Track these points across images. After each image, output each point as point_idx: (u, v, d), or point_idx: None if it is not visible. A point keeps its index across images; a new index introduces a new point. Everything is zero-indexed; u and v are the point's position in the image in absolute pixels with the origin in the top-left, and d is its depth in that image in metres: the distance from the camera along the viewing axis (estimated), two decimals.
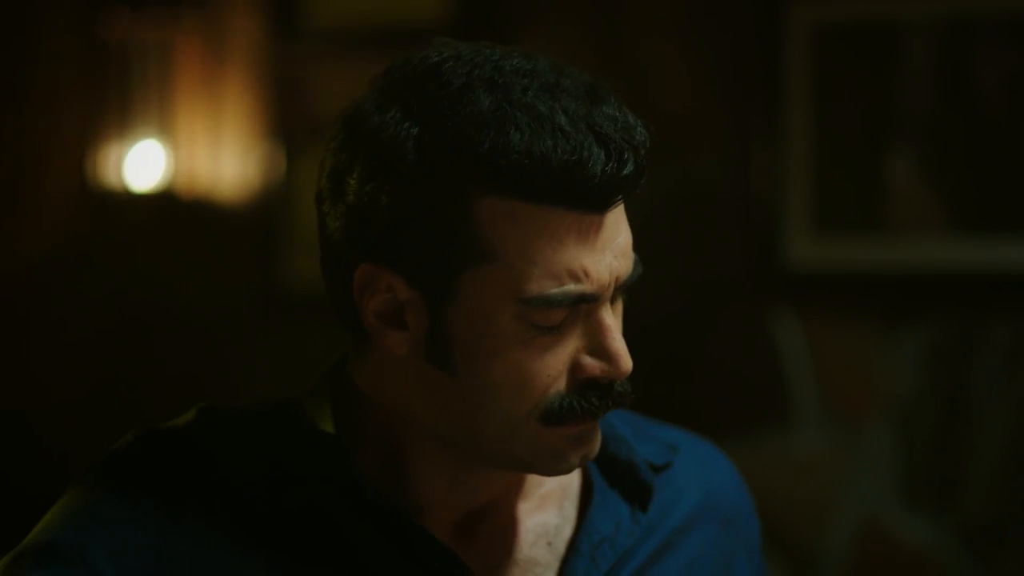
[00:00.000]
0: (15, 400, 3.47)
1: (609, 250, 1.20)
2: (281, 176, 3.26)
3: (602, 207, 1.18)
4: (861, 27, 2.83)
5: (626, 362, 1.21)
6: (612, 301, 1.22)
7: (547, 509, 1.30)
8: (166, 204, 3.33)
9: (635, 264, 1.23)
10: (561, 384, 1.20)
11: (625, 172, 1.17)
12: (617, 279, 1.20)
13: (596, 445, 1.24)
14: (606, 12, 3.01)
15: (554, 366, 1.19)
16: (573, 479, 1.33)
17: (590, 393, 1.20)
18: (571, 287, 1.17)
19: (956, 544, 2.78)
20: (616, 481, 1.33)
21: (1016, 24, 2.76)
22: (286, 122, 3.25)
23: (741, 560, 1.40)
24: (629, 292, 1.26)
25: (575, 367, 1.20)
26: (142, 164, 3.33)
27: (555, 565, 1.28)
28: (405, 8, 3.08)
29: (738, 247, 2.91)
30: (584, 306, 1.19)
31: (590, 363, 1.20)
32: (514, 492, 1.29)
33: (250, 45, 3.32)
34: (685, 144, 2.95)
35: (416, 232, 1.18)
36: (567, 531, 1.30)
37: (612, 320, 1.21)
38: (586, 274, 1.18)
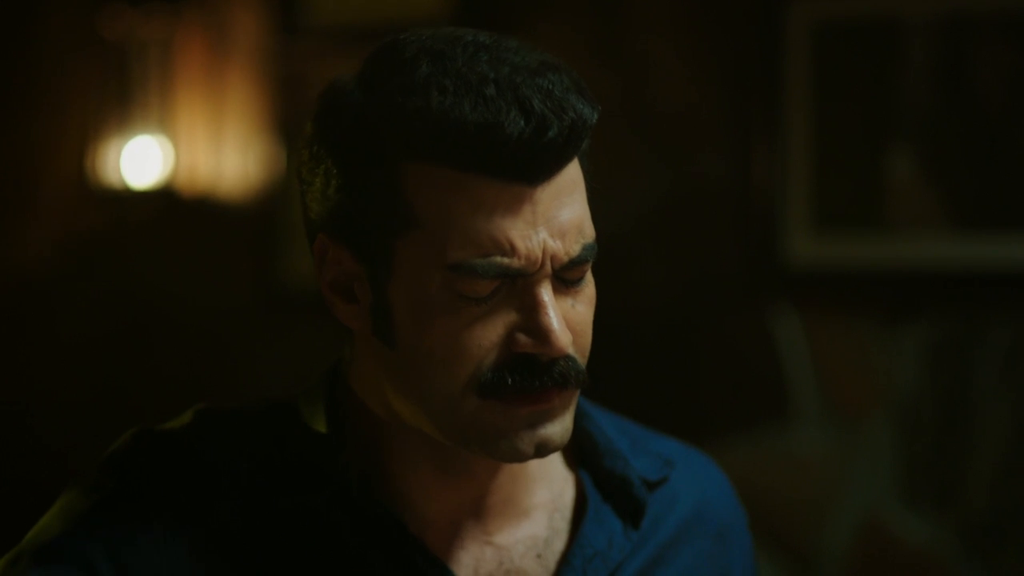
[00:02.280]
0: (15, 398, 3.47)
1: (544, 227, 1.17)
2: (282, 172, 3.26)
3: (528, 177, 1.17)
4: (861, 25, 2.83)
5: (558, 339, 1.17)
6: (570, 284, 1.21)
7: (536, 521, 1.30)
8: (167, 201, 3.33)
9: (585, 248, 1.20)
10: (494, 357, 1.18)
11: (545, 139, 1.15)
12: (554, 258, 1.18)
13: (555, 436, 1.21)
14: (606, 11, 3.00)
15: (485, 338, 1.18)
16: (566, 492, 1.33)
17: (526, 370, 1.18)
18: (496, 259, 1.16)
19: (956, 542, 2.78)
20: (610, 496, 1.32)
21: (1016, 22, 2.76)
22: (287, 118, 3.25)
23: (737, 575, 1.40)
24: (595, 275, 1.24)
25: (510, 342, 1.18)
26: (142, 161, 3.33)
27: None
28: (405, 5, 3.08)
29: (738, 245, 2.91)
30: (521, 281, 1.18)
31: (523, 339, 1.18)
32: (503, 503, 1.29)
33: (251, 41, 3.32)
34: (685, 142, 2.95)
35: (354, 199, 1.20)
36: (557, 544, 1.30)
37: (548, 297, 1.18)
38: (512, 247, 1.16)
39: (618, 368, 2.94)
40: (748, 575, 1.42)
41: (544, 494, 1.31)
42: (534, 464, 1.31)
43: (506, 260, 1.16)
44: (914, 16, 2.79)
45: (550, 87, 1.16)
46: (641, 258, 2.95)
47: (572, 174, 1.20)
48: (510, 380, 1.18)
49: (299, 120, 3.21)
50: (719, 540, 1.39)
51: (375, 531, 1.24)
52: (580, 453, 1.35)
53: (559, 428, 1.21)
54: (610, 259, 2.91)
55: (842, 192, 2.85)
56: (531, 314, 1.18)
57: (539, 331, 1.18)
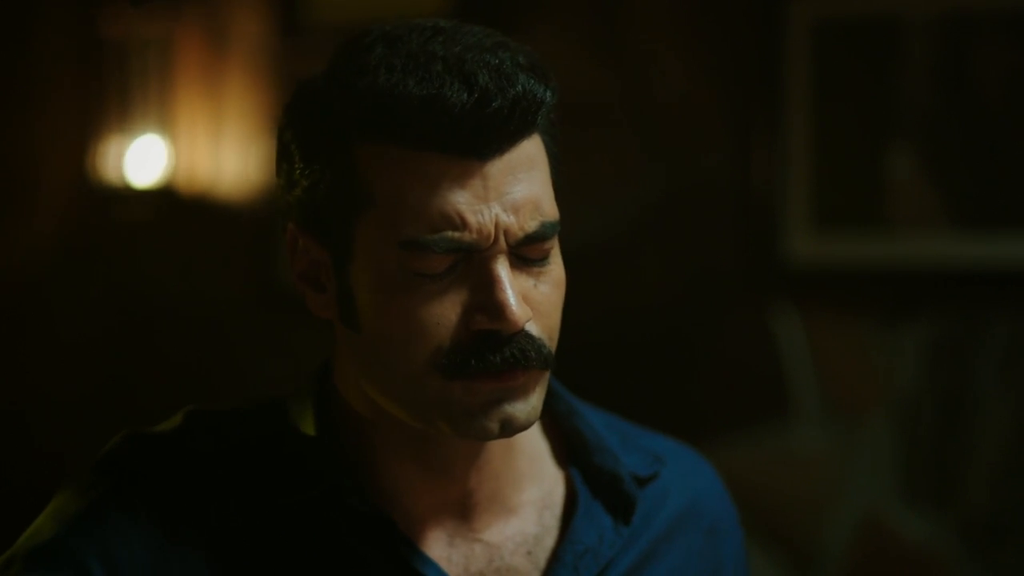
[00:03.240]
0: (14, 397, 3.47)
1: (497, 202, 1.18)
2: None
3: (476, 151, 1.17)
4: (861, 23, 2.83)
5: (512, 314, 1.17)
6: (532, 263, 1.21)
7: (525, 518, 1.31)
8: (167, 200, 3.33)
9: (543, 225, 1.20)
10: (454, 335, 1.18)
11: (488, 110, 1.15)
12: (507, 232, 1.18)
13: (520, 415, 1.20)
14: (605, 11, 3.00)
15: (443, 315, 1.18)
16: (555, 490, 1.33)
17: (486, 347, 1.18)
18: (447, 234, 1.16)
19: (956, 540, 2.78)
20: (600, 492, 1.32)
21: (1016, 20, 2.75)
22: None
23: (728, 571, 1.40)
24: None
25: (468, 320, 1.18)
26: (142, 160, 3.33)
27: (535, 574, 1.29)
28: (405, 5, 3.08)
29: (738, 243, 2.91)
30: (476, 257, 1.18)
31: (479, 316, 1.18)
32: (489, 499, 1.29)
33: (250, 40, 3.32)
34: (685, 141, 2.95)
35: (315, 183, 1.21)
36: (548, 541, 1.30)
37: (504, 273, 1.18)
38: (463, 221, 1.17)
39: (618, 366, 2.94)
40: (740, 570, 1.43)
41: (533, 492, 1.31)
42: (523, 462, 1.32)
43: (457, 234, 1.17)
44: (914, 15, 2.79)
45: (498, 63, 1.17)
46: (641, 257, 2.95)
47: (529, 151, 1.20)
48: (472, 361, 1.18)
49: None
50: (711, 535, 1.39)
51: (367, 531, 1.24)
52: (570, 451, 1.35)
53: (524, 407, 1.21)
54: (611, 258, 2.93)
55: (842, 191, 2.85)
56: (486, 290, 1.18)
57: (494, 306, 1.17)
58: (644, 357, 2.97)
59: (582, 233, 2.88)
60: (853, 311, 2.86)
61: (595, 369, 2.79)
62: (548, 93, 1.20)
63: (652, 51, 2.97)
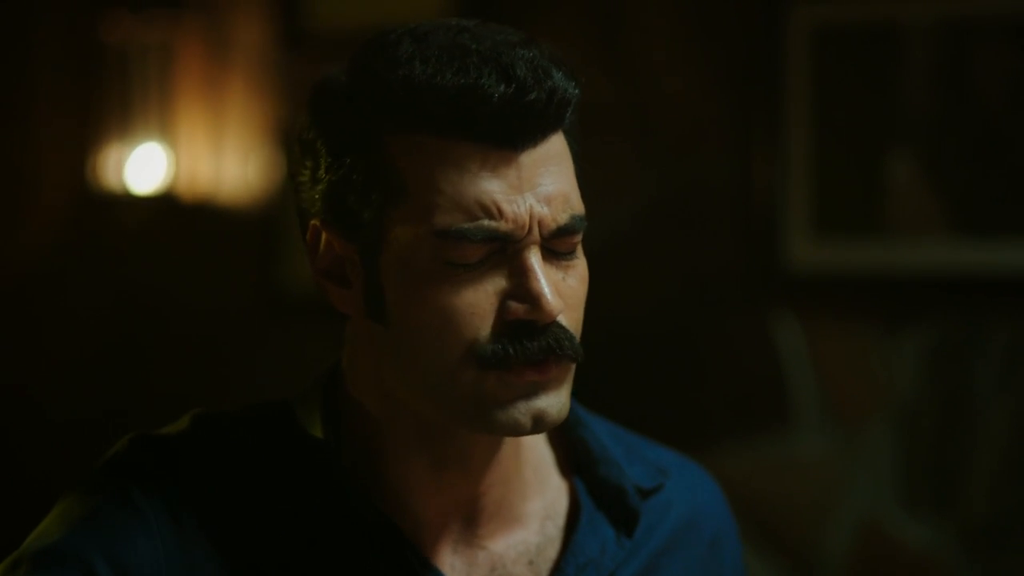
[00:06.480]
0: (15, 401, 3.47)
1: (531, 193, 1.19)
2: (282, 179, 3.26)
3: (511, 141, 1.18)
4: (861, 28, 2.83)
5: (548, 304, 1.18)
6: (560, 256, 1.22)
7: (528, 527, 1.31)
8: (167, 207, 3.34)
9: (574, 218, 1.21)
10: (490, 326, 1.18)
11: (525, 101, 1.17)
12: (541, 223, 1.19)
13: (551, 409, 1.21)
14: (607, 16, 3.01)
15: (477, 305, 1.18)
16: (559, 500, 1.33)
17: (523, 337, 1.18)
18: (484, 223, 1.17)
19: (956, 546, 2.78)
20: (604, 504, 1.32)
21: (1016, 25, 2.76)
22: (287, 124, 3.26)
23: None
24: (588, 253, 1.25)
25: (503, 310, 1.19)
26: (143, 167, 3.33)
27: None
28: (406, 11, 3.09)
29: (739, 249, 2.92)
30: (510, 248, 1.19)
31: (514, 306, 1.18)
32: (496, 506, 1.29)
33: (251, 47, 3.32)
34: (686, 146, 2.96)
35: (344, 177, 1.21)
36: (550, 551, 1.30)
37: (537, 263, 1.19)
38: (499, 211, 1.18)
39: (619, 373, 2.94)
40: None
41: (538, 502, 1.31)
42: (529, 471, 1.31)
43: (494, 224, 1.17)
44: (914, 20, 2.79)
45: (531, 56, 1.18)
46: (642, 262, 2.96)
47: (558, 146, 1.22)
48: (511, 350, 1.18)
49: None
50: (712, 549, 1.39)
51: (371, 535, 1.24)
52: (574, 461, 1.35)
53: (556, 401, 1.21)
54: (611, 264, 2.93)
55: (842, 196, 2.85)
56: (521, 280, 1.19)
57: (530, 296, 1.18)
58: (644, 363, 2.98)
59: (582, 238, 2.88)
60: (853, 317, 2.87)
61: (595, 375, 2.79)
62: (577, 90, 1.21)
63: (652, 56, 2.97)
